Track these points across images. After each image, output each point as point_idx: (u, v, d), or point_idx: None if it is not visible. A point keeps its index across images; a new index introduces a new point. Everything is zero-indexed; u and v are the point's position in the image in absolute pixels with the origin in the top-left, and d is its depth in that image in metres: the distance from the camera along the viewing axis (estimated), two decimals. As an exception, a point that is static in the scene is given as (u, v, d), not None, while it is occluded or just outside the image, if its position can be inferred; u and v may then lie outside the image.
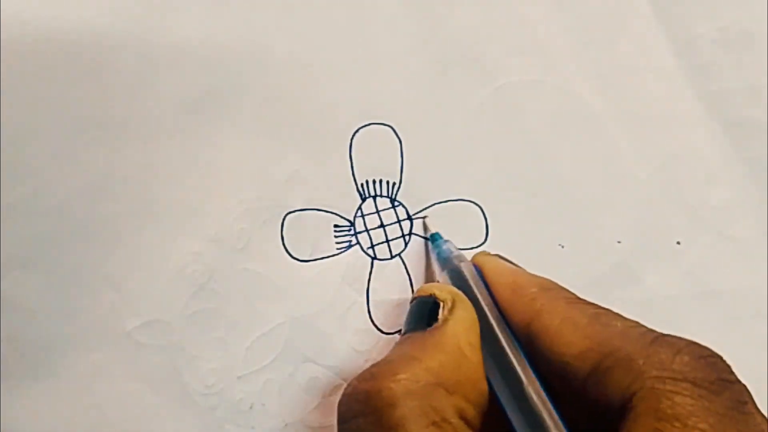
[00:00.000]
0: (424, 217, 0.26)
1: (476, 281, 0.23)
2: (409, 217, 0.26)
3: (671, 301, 0.28)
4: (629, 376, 0.18)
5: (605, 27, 0.28)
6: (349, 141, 0.26)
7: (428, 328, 0.20)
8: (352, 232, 0.26)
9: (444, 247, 0.25)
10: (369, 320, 0.25)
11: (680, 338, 0.19)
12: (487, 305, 0.22)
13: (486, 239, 0.27)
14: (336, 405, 0.24)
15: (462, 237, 0.26)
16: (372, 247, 0.26)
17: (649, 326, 0.19)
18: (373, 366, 0.19)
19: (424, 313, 0.21)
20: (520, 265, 0.24)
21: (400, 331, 0.25)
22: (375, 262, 0.26)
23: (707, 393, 0.17)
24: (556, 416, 0.19)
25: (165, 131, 0.24)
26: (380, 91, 0.26)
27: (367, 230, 0.26)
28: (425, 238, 0.26)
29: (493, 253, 0.25)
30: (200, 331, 0.24)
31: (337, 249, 0.26)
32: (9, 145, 0.23)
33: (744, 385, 0.18)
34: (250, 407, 0.24)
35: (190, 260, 0.24)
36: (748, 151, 0.28)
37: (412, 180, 0.26)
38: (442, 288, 0.22)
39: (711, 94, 0.28)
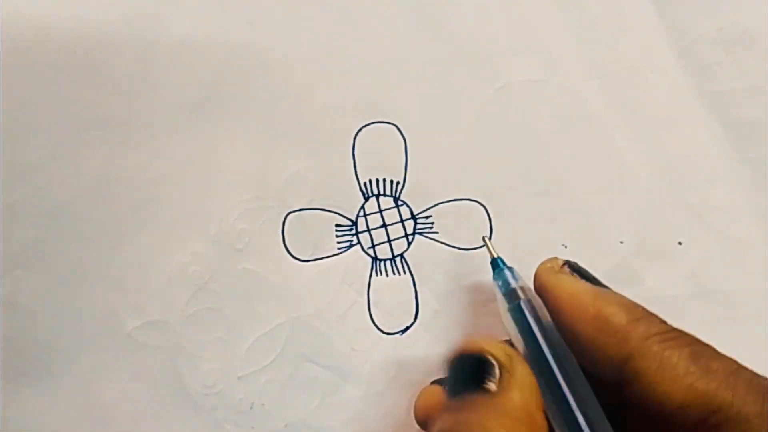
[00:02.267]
0: (484, 239, 0.24)
1: (540, 323, 0.20)
2: (413, 217, 0.26)
3: (672, 300, 0.28)
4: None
5: (607, 27, 0.28)
6: (352, 140, 0.26)
7: (491, 392, 0.19)
8: (353, 231, 0.26)
9: (506, 277, 0.22)
10: (369, 320, 0.25)
11: None
12: (553, 359, 0.19)
13: (490, 238, 0.27)
14: (337, 406, 0.25)
15: (466, 236, 0.26)
16: (373, 246, 0.26)
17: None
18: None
19: (472, 371, 0.19)
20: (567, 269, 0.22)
21: (400, 331, 0.25)
22: (375, 261, 0.26)
23: None
24: None
25: (165, 131, 0.24)
26: (384, 90, 0.26)
27: (368, 230, 0.26)
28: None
29: (562, 259, 0.22)
30: (200, 331, 0.24)
31: (338, 249, 0.25)
32: (9, 145, 0.23)
33: None
34: (251, 407, 0.24)
35: (190, 260, 0.24)
36: (749, 151, 0.28)
37: (416, 179, 0.26)
38: (493, 345, 0.20)
39: (712, 94, 0.28)
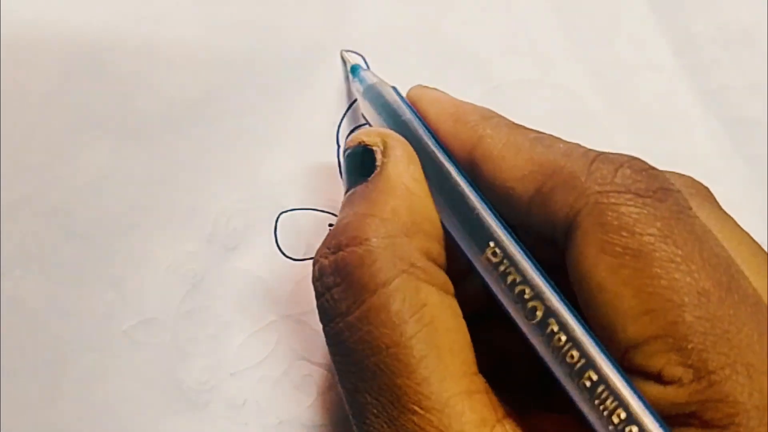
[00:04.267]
0: (341, 53, 0.25)
1: (400, 106, 0.22)
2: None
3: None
4: (572, 194, 0.18)
5: (603, 25, 0.28)
6: (343, 140, 0.26)
7: (368, 179, 0.20)
8: (346, 231, 0.26)
9: (362, 75, 0.24)
10: (363, 319, 0.25)
11: (621, 154, 0.18)
12: (420, 129, 0.21)
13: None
14: (331, 404, 0.25)
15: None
16: (366, 246, 0.26)
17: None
18: (331, 238, 0.19)
19: (358, 164, 0.20)
20: None
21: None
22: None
23: (651, 201, 0.17)
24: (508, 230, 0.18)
25: (162, 132, 0.25)
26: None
27: (362, 229, 0.26)
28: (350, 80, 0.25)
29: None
30: (194, 329, 0.24)
31: (332, 248, 0.26)
32: (9, 145, 0.23)
33: (683, 194, 0.18)
34: (243, 403, 0.24)
35: (185, 259, 0.24)
36: (748, 149, 0.28)
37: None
38: (369, 132, 0.21)
39: (710, 92, 0.28)
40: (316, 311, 0.25)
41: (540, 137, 0.20)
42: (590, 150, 0.19)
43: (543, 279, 0.18)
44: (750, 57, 0.28)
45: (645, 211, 0.17)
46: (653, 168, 0.18)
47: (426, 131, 0.21)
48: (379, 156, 0.20)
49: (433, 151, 0.20)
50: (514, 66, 0.27)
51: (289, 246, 0.25)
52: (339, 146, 0.26)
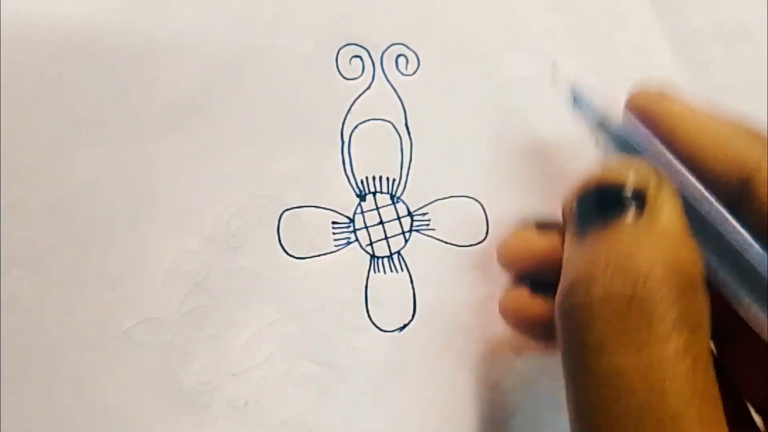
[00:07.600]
0: (554, 68, 0.23)
1: (667, 159, 0.19)
2: (410, 214, 0.26)
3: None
4: None
5: (602, 22, 0.28)
6: (348, 138, 0.26)
7: (642, 218, 0.17)
8: (350, 229, 0.26)
9: (589, 106, 0.21)
10: (366, 317, 0.25)
11: None
12: (695, 184, 0.18)
13: (486, 236, 0.26)
14: (333, 402, 0.25)
15: (462, 233, 0.26)
16: (371, 244, 0.26)
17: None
18: (604, 266, 0.17)
19: (613, 201, 0.18)
20: None
21: (398, 328, 0.25)
22: (374, 259, 0.26)
23: None
24: None
25: (162, 130, 0.25)
26: (379, 88, 0.26)
27: (366, 227, 0.26)
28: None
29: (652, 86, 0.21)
30: (195, 329, 0.24)
31: (335, 246, 0.26)
32: (9, 145, 0.23)
33: None
34: (245, 404, 0.24)
35: (186, 259, 0.24)
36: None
37: (412, 176, 0.26)
38: (640, 168, 0.18)
39: (709, 89, 0.28)
40: (321, 312, 0.25)
41: None
42: None
43: None
44: (748, 53, 0.28)
45: None
46: None
47: (699, 185, 0.18)
48: (643, 195, 0.18)
49: (712, 204, 0.18)
50: (517, 63, 0.27)
51: (292, 244, 0.25)
52: (343, 143, 0.26)
